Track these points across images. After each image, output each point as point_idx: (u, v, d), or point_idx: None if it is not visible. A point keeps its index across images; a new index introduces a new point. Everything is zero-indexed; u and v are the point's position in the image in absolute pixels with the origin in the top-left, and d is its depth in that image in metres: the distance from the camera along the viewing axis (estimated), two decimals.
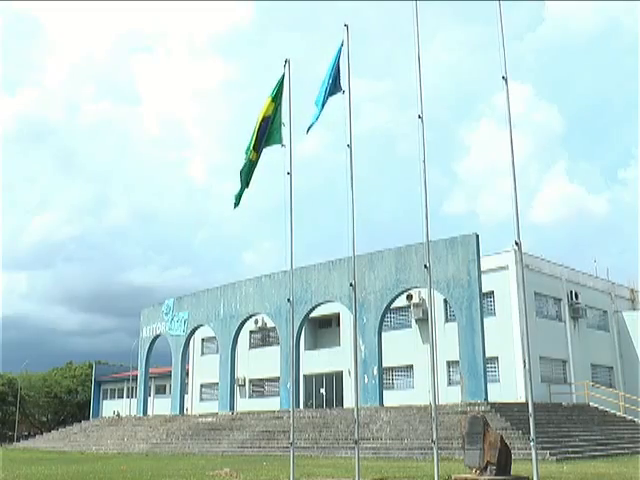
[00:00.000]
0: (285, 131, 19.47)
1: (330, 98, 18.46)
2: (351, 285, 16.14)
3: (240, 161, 19.01)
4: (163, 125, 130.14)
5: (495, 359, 32.00)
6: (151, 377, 49.14)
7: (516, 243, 10.55)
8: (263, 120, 19.01)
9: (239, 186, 18.89)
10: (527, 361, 10.82)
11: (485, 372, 25.03)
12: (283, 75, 20.25)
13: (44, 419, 69.96)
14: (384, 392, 28.68)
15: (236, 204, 18.95)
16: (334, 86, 18.02)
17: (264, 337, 44.92)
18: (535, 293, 34.05)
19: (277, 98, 19.64)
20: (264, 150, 19.15)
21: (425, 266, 13.11)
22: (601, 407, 31.37)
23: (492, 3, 13.89)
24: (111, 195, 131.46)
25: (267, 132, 18.80)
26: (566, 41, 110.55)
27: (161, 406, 49.63)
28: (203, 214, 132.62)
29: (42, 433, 52.51)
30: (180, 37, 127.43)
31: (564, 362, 35.45)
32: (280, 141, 18.78)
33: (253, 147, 18.72)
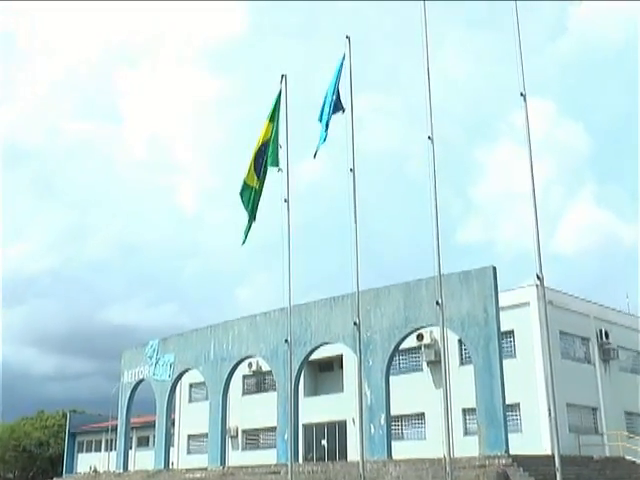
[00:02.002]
0: (282, 153, 19.56)
1: (333, 116, 18.59)
2: (355, 324, 16.12)
3: (235, 187, 19.06)
4: (149, 147, 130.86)
5: (516, 406, 31.73)
6: (133, 427, 48.69)
7: (538, 277, 10.54)
8: (262, 144, 19.10)
9: (246, 220, 18.91)
10: (552, 409, 10.74)
11: (505, 421, 24.80)
12: (279, 92, 20.42)
13: (10, 476, 69.26)
14: (393, 443, 28.39)
15: (244, 240, 18.92)
16: (336, 104, 18.12)
17: (259, 382, 44.64)
18: (560, 332, 33.90)
19: (274, 118, 19.75)
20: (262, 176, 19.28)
21: (437, 303, 13.09)
22: (638, 461, 31.05)
23: (508, 12, 14.05)
24: (91, 224, 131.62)
25: (266, 157, 18.86)
26: (592, 53, 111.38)
27: (144, 460, 49.09)
28: (192, 245, 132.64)
29: None
30: (168, 50, 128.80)
31: (594, 410, 35.16)
32: (276, 163, 18.82)
33: (249, 173, 18.77)
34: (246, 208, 18.78)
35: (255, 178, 18.80)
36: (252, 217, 18.89)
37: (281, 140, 19.64)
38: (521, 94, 12.15)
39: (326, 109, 18.28)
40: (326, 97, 18.34)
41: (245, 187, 18.86)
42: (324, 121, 18.27)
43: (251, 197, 18.89)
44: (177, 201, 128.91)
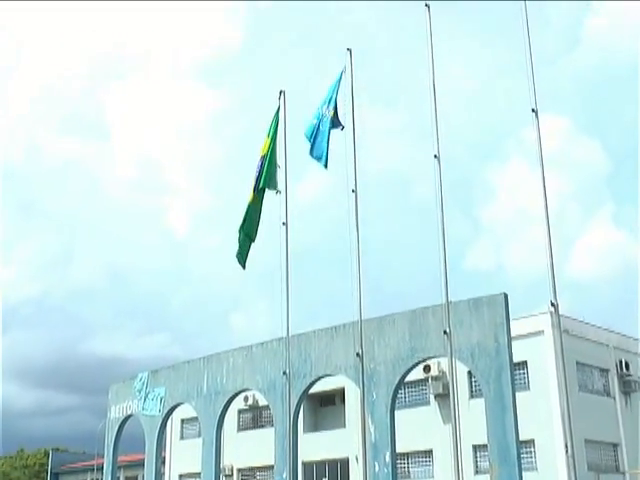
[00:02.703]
0: (280, 174, 19.64)
1: (331, 132, 18.64)
2: (358, 355, 16.08)
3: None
4: (139, 165, 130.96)
5: (531, 442, 31.60)
6: (120, 466, 48.40)
7: (552, 304, 10.57)
8: (260, 159, 19.21)
9: (241, 241, 18.88)
10: (570, 445, 10.71)
11: (519, 458, 24.63)
12: (278, 108, 20.54)
13: None
14: None
15: (243, 263, 18.85)
16: (333, 120, 18.17)
17: (255, 417, 44.48)
18: (577, 363, 33.82)
19: (272, 134, 19.87)
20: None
21: (445, 332, 13.09)
22: None
23: (518, 23, 14.17)
24: (77, 248, 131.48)
25: (262, 172, 18.92)
26: (608, 65, 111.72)
27: None
28: (185, 271, 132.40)
29: None
30: (159, 63, 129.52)
31: (615, 446, 34.99)
32: (275, 186, 18.88)
33: (253, 190, 18.83)
34: (243, 230, 18.78)
35: (252, 195, 18.86)
36: (251, 238, 18.92)
37: (279, 160, 19.73)
38: (532, 110, 12.23)
39: (325, 124, 18.29)
40: (320, 108, 18.37)
41: (247, 211, 18.93)
42: (323, 136, 18.29)
43: (247, 215, 18.95)
44: (168, 223, 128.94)
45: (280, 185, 19.16)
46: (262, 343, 35.18)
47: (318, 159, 18.18)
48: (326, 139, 18.15)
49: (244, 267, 19.01)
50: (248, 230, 18.97)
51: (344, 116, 18.86)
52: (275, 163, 19.46)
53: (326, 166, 18.07)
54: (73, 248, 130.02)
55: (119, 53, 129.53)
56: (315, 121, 18.41)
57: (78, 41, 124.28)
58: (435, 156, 14.57)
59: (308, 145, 18.33)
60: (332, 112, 18.40)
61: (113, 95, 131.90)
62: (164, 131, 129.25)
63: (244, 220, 18.69)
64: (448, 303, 11.97)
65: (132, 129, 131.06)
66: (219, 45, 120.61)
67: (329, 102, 18.54)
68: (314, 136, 18.26)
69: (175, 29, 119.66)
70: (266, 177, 19.09)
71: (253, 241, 18.97)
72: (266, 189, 19.11)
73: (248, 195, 19.08)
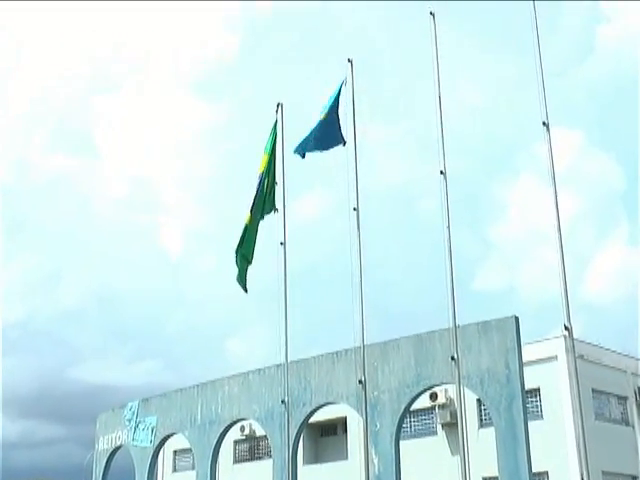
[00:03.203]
0: (278, 191, 19.62)
1: (332, 148, 18.65)
2: (360, 382, 16.00)
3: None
4: (130, 183, 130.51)
5: (544, 474, 31.40)
6: None
7: (566, 327, 10.52)
8: (258, 177, 19.19)
9: (239, 263, 18.83)
10: (586, 477, 10.63)
11: None
12: (275, 122, 20.56)
13: None
14: None
15: (244, 286, 18.76)
16: (333, 135, 18.16)
17: (252, 448, 44.25)
18: (593, 390, 33.68)
19: (270, 151, 19.86)
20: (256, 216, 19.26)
21: (452, 357, 13.03)
22: None
23: (527, 33, 14.21)
24: (65, 270, 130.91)
25: (260, 191, 18.90)
26: (623, 76, 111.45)
27: None
28: (178, 294, 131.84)
29: None
30: (151, 76, 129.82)
31: (634, 478, 34.79)
32: (272, 206, 18.85)
33: (250, 210, 18.82)
34: (240, 251, 18.75)
35: (249, 214, 18.83)
36: (248, 259, 18.88)
37: (277, 176, 19.71)
38: (543, 123, 12.24)
39: (309, 138, 18.29)
40: (313, 129, 18.37)
41: (243, 232, 18.91)
42: (303, 150, 18.32)
43: (246, 237, 18.92)
44: (161, 243, 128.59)
45: (278, 203, 19.14)
46: (259, 370, 35.04)
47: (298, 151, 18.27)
48: (313, 132, 18.17)
49: (246, 290, 18.95)
50: (245, 252, 18.93)
51: (345, 131, 18.86)
52: (273, 181, 19.43)
53: (303, 156, 18.14)
54: (61, 269, 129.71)
55: (108, 66, 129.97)
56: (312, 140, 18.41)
57: (65, 53, 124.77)
58: (441, 172, 14.57)
59: (299, 157, 18.34)
60: (324, 116, 18.39)
61: (103, 109, 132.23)
62: (156, 147, 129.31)
63: (241, 241, 18.65)
64: (456, 327, 11.93)
65: (123, 145, 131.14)
66: (214, 56, 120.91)
67: (328, 116, 18.52)
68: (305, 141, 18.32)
69: (167, 40, 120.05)
70: (267, 198, 19.07)
71: (250, 263, 18.92)
72: (266, 212, 19.08)
73: (245, 215, 19.04)
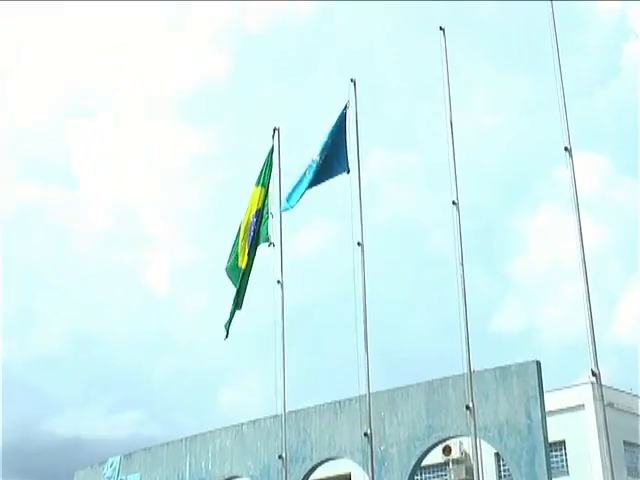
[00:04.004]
0: (274, 224, 19.60)
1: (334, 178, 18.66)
2: (366, 435, 15.92)
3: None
4: (112, 215, 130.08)
5: None
6: None
7: (593, 373, 10.48)
8: (252, 215, 19.12)
9: (231, 310, 18.79)
10: None
11: None
12: (271, 149, 20.57)
13: None
14: None
15: (226, 333, 18.78)
16: (338, 162, 18.18)
17: None
18: (625, 442, 33.52)
19: (265, 180, 19.82)
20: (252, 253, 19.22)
21: (467, 407, 12.98)
22: None
23: (547, 52, 14.30)
24: (40, 310, 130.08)
25: (257, 230, 18.85)
26: None
27: None
28: (165, 336, 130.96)
29: None
30: (134, 98, 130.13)
31: None
32: (266, 238, 18.81)
33: (241, 250, 18.76)
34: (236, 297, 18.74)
35: (245, 258, 18.75)
36: (237, 305, 18.83)
37: (273, 207, 19.68)
38: (565, 148, 12.28)
39: (309, 173, 18.28)
40: (322, 152, 18.38)
41: (234, 268, 18.84)
42: (303, 187, 18.27)
43: (239, 280, 18.84)
44: (147, 281, 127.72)
45: (274, 237, 19.09)
46: (254, 421, 34.83)
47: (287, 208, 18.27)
48: (303, 186, 18.14)
49: (226, 336, 18.90)
50: (238, 296, 18.89)
51: (348, 157, 18.85)
52: (268, 212, 19.38)
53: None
54: (35, 310, 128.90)
55: (86, 88, 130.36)
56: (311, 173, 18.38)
57: (39, 72, 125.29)
58: (454, 202, 14.60)
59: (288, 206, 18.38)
60: (334, 156, 18.37)
61: (81, 134, 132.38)
62: (141, 175, 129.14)
63: (238, 288, 18.60)
64: (471, 373, 11.89)
65: (104, 173, 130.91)
66: (202, 77, 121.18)
67: (329, 144, 18.51)
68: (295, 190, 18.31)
69: (151, 61, 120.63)
70: (260, 231, 19.05)
71: (239, 308, 18.86)
72: (258, 246, 19.06)
73: (240, 260, 18.96)
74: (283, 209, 18.36)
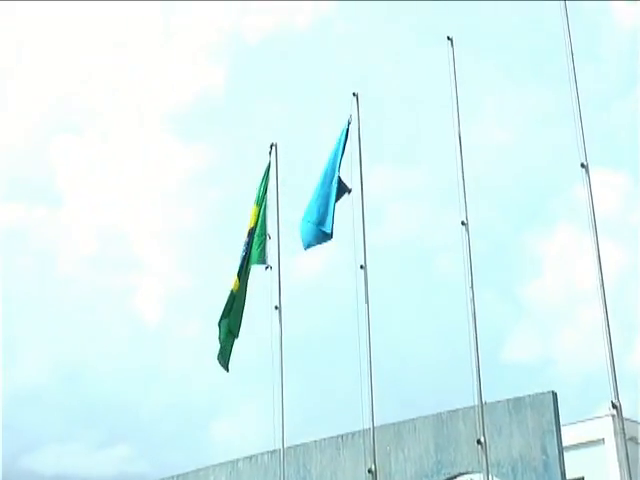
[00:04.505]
0: (271, 246, 19.60)
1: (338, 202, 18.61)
2: (370, 471, 15.82)
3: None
4: (99, 237, 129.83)
5: None
6: None
7: (613, 405, 10.43)
8: (248, 234, 19.10)
9: (223, 338, 18.68)
10: None
11: None
12: (268, 166, 20.59)
13: None
14: None
15: (226, 365, 18.63)
16: (340, 185, 18.13)
17: None
18: None
19: (262, 200, 19.82)
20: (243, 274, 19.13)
21: (479, 441, 12.91)
22: None
23: (562, 62, 14.32)
24: (21, 341, 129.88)
25: (249, 250, 18.81)
26: None
27: None
28: (155, 368, 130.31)
29: None
30: (122, 113, 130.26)
31: None
32: (262, 260, 18.78)
33: (237, 274, 18.70)
34: (223, 323, 18.62)
35: (237, 281, 18.68)
36: (232, 332, 18.72)
37: (270, 228, 19.65)
38: (582, 165, 12.27)
39: (331, 194, 18.23)
40: (325, 175, 18.38)
41: (228, 302, 18.75)
42: (330, 208, 18.18)
43: (232, 307, 18.74)
44: (136, 309, 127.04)
45: (271, 260, 19.05)
46: (250, 457, 34.66)
47: (318, 240, 18.15)
48: (331, 205, 18.03)
49: (227, 369, 18.78)
50: (232, 323, 18.78)
51: (350, 175, 18.85)
52: (265, 233, 19.36)
53: (331, 236, 18.03)
54: (16, 340, 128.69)
55: (71, 102, 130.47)
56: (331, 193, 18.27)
57: (22, 85, 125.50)
58: (463, 222, 14.58)
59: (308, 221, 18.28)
60: (338, 175, 18.35)
61: (66, 151, 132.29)
62: (130, 195, 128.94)
63: (226, 312, 18.51)
64: (482, 404, 11.85)
65: (91, 193, 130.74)
66: (197, 90, 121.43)
67: (333, 165, 18.50)
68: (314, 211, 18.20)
69: (141, 75, 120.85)
70: (255, 254, 18.99)
71: (236, 337, 18.76)
72: (251, 267, 18.98)
73: (231, 281, 18.90)
74: (321, 241, 18.23)
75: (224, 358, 18.94)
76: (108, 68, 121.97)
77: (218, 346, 18.66)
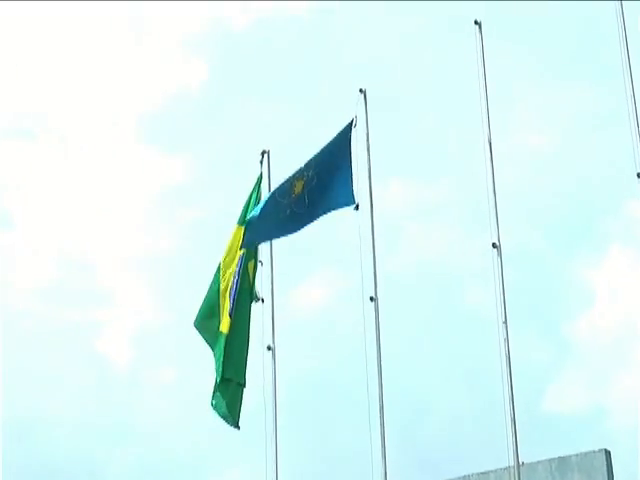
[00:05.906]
0: (262, 275, 19.50)
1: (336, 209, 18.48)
2: None
3: (191, 324, 18.84)
4: (57, 265, 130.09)
5: None
6: None
7: None
8: (236, 263, 18.97)
9: (222, 388, 18.50)
10: None
11: None
12: (260, 177, 20.55)
13: None
14: None
15: (236, 422, 18.43)
16: (339, 194, 18.01)
17: None
18: None
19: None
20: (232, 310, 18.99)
21: None
22: None
23: (614, 52, 14.27)
24: None
25: (243, 282, 18.66)
26: None
27: None
28: (125, 422, 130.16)
29: None
30: (87, 119, 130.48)
31: None
32: (254, 295, 18.64)
33: (223, 310, 18.59)
34: (218, 370, 18.47)
35: (228, 320, 18.51)
36: (240, 382, 18.52)
37: (261, 255, 19.54)
38: (638, 175, 12.19)
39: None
40: (315, 167, 18.16)
41: (218, 336, 18.60)
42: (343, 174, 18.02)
43: (223, 350, 18.54)
44: (101, 350, 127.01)
45: (263, 291, 18.96)
46: None
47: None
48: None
49: (238, 427, 18.59)
50: (236, 372, 18.59)
51: (356, 189, 18.67)
52: (256, 259, 19.28)
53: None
54: None
55: (24, 105, 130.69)
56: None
57: None
58: (494, 245, 14.51)
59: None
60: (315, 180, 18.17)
61: (19, 164, 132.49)
62: (95, 216, 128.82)
63: (221, 362, 18.35)
64: (519, 465, 11.71)
65: (49, 214, 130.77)
66: (173, 89, 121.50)
67: (316, 164, 18.32)
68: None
69: (111, 70, 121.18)
70: (252, 285, 18.90)
71: (244, 386, 18.57)
72: (250, 301, 18.90)
73: (222, 322, 18.76)
74: (245, 245, 18.04)
75: (234, 414, 18.65)
76: (67, 66, 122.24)
77: (221, 401, 18.43)
